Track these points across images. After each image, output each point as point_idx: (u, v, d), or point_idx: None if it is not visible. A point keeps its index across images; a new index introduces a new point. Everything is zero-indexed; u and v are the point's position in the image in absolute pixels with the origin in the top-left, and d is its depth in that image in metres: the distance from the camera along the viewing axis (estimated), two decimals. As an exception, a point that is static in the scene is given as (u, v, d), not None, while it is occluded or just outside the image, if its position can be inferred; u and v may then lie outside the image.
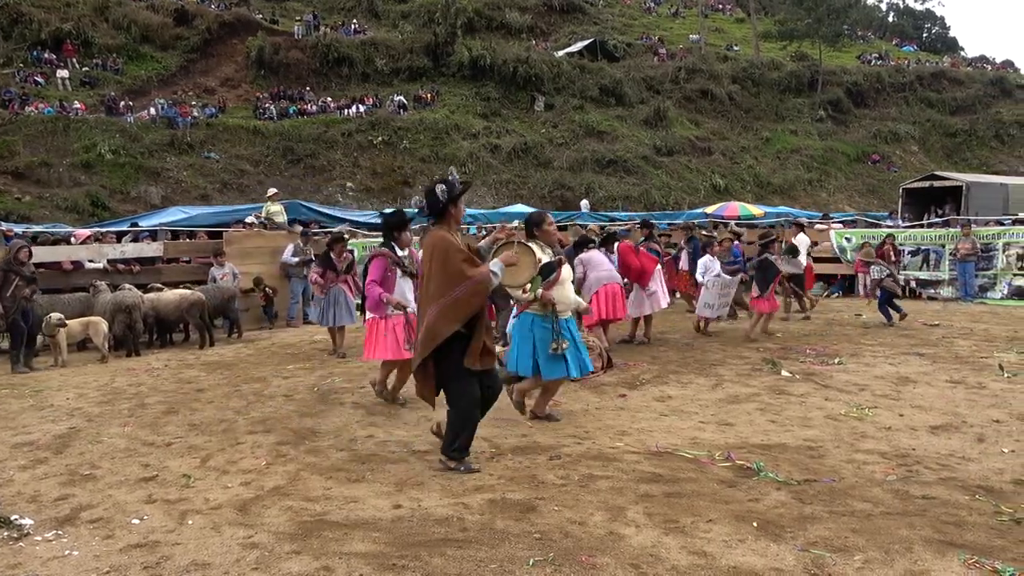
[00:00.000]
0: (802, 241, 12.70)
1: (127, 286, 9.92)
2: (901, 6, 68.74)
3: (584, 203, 26.13)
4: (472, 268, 4.38)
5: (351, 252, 9.81)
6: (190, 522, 3.83)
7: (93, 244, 11.56)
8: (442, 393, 4.61)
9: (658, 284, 9.34)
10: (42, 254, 10.52)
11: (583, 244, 8.93)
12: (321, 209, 17.26)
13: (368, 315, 6.28)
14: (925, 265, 14.95)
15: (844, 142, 38.34)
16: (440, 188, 4.56)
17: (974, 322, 10.80)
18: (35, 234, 12.61)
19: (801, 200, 31.65)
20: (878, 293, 10.79)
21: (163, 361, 8.91)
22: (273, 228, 13.39)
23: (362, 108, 30.95)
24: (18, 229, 13.27)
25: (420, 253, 5.39)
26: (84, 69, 29.56)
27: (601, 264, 8.38)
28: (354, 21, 38.29)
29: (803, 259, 12.02)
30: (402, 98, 32.19)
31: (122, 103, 27.30)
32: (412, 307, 5.90)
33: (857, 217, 22.17)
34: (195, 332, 10.31)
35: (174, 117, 26.96)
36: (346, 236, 11.28)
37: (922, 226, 17.05)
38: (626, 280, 9.08)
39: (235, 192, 25.23)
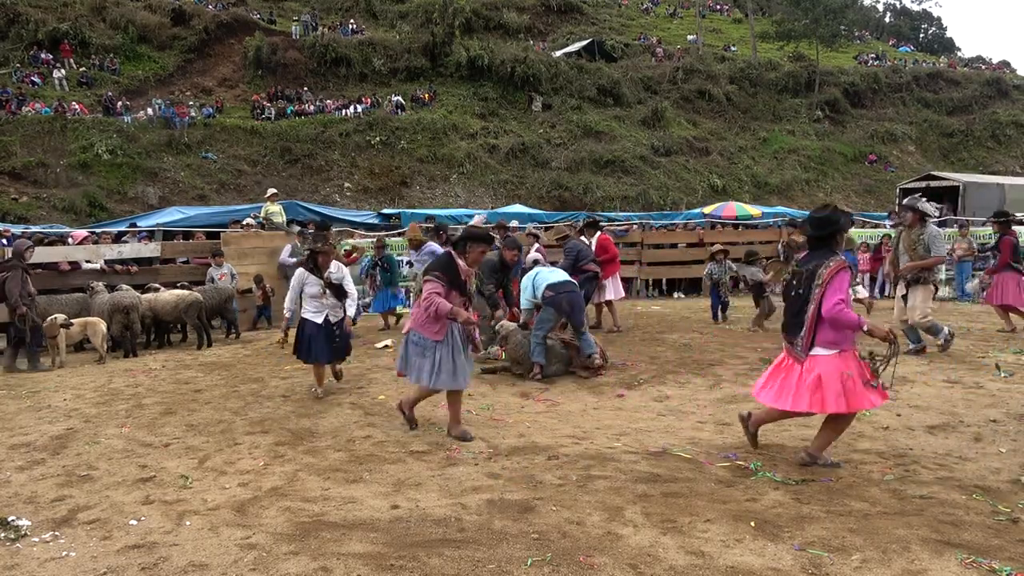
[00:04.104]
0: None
1: (124, 287, 9.92)
2: (898, 6, 69.11)
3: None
4: None
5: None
6: (188, 523, 3.83)
7: (90, 245, 11.56)
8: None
9: (610, 281, 10.20)
10: (39, 255, 10.51)
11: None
12: (319, 209, 17.28)
13: (822, 350, 4.29)
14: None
15: (841, 142, 38.42)
16: None
17: (971, 322, 10.80)
18: (31, 234, 12.58)
19: (799, 200, 31.68)
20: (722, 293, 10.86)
21: (161, 362, 8.89)
22: (271, 228, 13.37)
23: (360, 108, 30.93)
24: (16, 229, 13.24)
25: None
26: (81, 69, 29.51)
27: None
28: (352, 21, 38.27)
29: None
30: (400, 98, 32.18)
31: (119, 103, 27.25)
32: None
33: (855, 217, 22.20)
34: (193, 333, 10.30)
35: (171, 117, 26.94)
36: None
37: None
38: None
39: (233, 192, 25.24)
